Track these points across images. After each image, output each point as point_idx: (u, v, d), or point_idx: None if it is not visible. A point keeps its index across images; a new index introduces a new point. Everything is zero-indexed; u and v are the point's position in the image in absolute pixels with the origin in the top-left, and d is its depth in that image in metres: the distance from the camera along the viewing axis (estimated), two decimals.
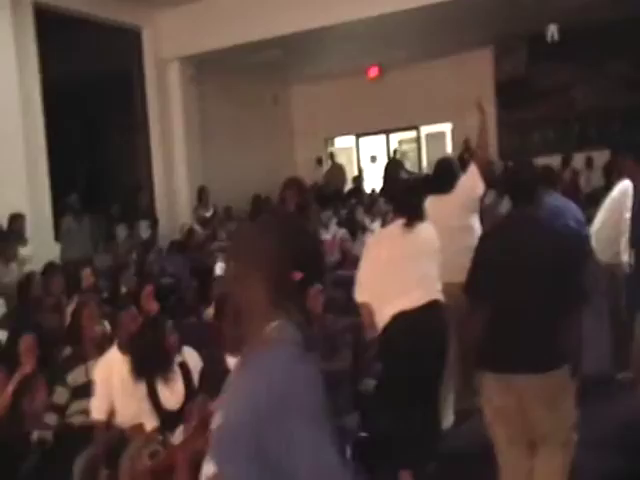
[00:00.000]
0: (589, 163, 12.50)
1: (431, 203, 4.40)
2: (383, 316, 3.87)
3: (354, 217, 9.16)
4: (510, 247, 3.13)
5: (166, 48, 11.13)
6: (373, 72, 14.57)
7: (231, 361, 3.86)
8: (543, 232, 3.17)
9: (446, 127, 15.40)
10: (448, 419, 4.64)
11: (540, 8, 10.53)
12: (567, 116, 13.10)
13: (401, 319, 3.78)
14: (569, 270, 3.08)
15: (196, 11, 10.66)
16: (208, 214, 10.85)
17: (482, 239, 3.51)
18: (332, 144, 16.36)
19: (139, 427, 3.98)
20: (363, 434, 4.17)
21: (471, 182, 4.73)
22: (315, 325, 4.45)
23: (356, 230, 8.44)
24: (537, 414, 3.08)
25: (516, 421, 3.12)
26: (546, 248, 3.07)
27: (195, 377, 4.21)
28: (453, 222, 4.57)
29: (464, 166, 13.19)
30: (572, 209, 4.71)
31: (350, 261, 6.87)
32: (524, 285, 3.04)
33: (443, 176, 4.89)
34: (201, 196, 11.19)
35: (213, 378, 3.89)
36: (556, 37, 11.36)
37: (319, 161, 14.91)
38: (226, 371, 3.90)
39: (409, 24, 10.79)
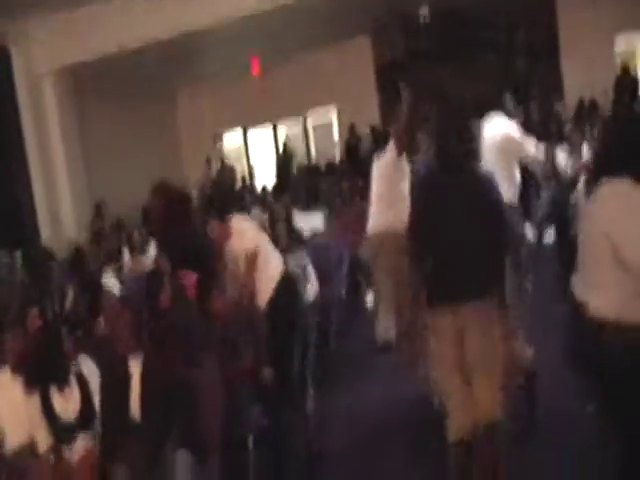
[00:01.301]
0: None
1: None
2: None
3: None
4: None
5: (37, 63, 10.70)
6: (256, 70, 14.50)
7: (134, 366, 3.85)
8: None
9: (332, 117, 15.56)
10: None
11: None
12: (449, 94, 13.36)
13: None
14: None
15: (67, 21, 10.27)
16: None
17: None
18: (221, 142, 16.17)
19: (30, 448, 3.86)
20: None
21: None
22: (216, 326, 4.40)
23: None
24: (473, 339, 3.36)
25: (458, 350, 3.39)
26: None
27: (94, 387, 4.08)
28: None
29: (351, 151, 13.44)
30: None
31: None
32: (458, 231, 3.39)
33: None
34: (99, 211, 10.87)
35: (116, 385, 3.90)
36: (428, 20, 11.74)
37: (208, 162, 14.72)
38: (128, 377, 3.85)
39: (286, 18, 10.82)
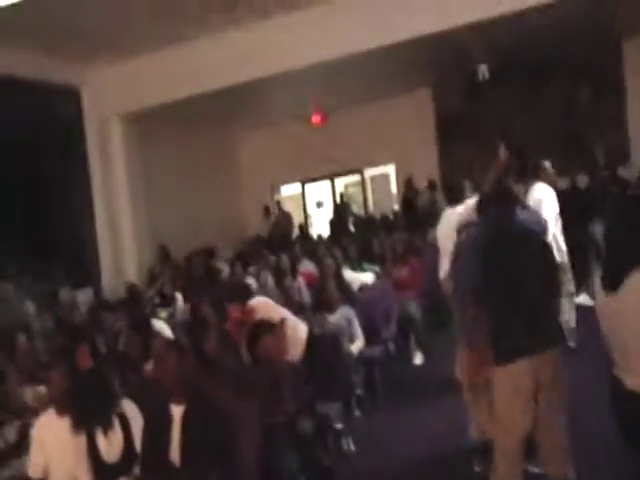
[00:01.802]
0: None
1: None
2: None
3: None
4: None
5: (106, 105, 11.10)
6: (316, 118, 14.79)
7: (176, 410, 3.89)
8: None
9: (389, 168, 15.65)
10: None
11: (470, 51, 10.89)
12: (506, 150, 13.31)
13: None
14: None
15: (136, 67, 10.64)
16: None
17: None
18: (279, 191, 16.45)
19: None
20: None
21: None
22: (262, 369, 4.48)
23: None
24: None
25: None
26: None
27: (135, 430, 4.13)
28: None
29: (408, 205, 13.45)
30: None
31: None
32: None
33: None
34: (162, 253, 11.14)
35: (158, 429, 3.92)
36: (487, 76, 11.81)
37: (266, 211, 14.97)
38: (170, 421, 3.93)
39: (349, 70, 11.02)
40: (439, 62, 11.99)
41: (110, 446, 4.01)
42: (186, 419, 3.88)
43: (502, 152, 5.03)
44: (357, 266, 7.98)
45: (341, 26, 9.39)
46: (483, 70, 11.89)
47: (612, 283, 2.77)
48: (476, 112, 13.77)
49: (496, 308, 3.48)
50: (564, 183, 10.20)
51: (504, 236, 3.62)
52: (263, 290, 7.52)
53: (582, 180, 11.78)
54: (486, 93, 12.97)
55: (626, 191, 9.99)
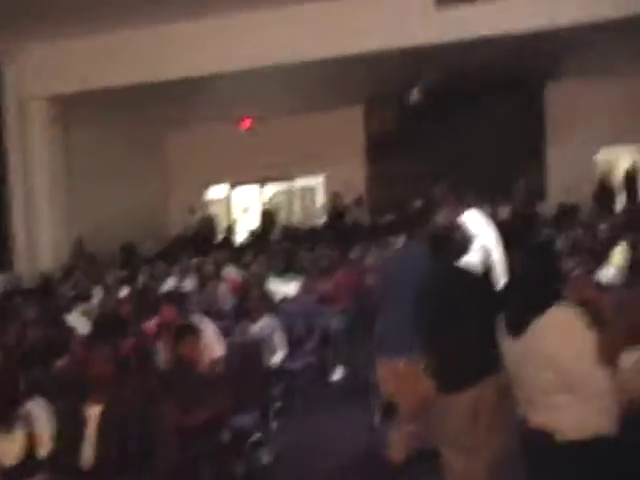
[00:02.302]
0: None
1: None
2: None
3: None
4: None
5: (30, 85, 10.64)
6: (246, 123, 14.75)
7: (92, 410, 3.78)
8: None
9: (318, 181, 15.76)
10: None
11: (405, 74, 11.17)
12: (433, 172, 13.59)
13: None
14: None
15: (66, 49, 10.28)
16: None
17: None
18: (206, 193, 16.25)
19: None
20: None
21: None
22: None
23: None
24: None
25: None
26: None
27: (44, 427, 3.94)
28: None
29: (334, 219, 13.54)
30: None
31: None
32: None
33: None
34: (77, 248, 10.75)
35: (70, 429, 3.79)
36: (418, 100, 12.15)
37: (191, 210, 14.76)
38: (84, 421, 3.78)
39: (284, 78, 11.07)
40: (372, 81, 12.23)
41: (10, 448, 3.81)
42: (103, 420, 3.75)
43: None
44: (282, 276, 7.96)
45: (278, 35, 9.47)
46: (416, 94, 12.22)
47: (516, 328, 2.84)
48: (406, 133, 14.09)
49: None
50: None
51: (451, 280, 3.84)
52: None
53: (503, 212, 12.21)
54: (417, 116, 13.31)
55: (540, 229, 10.41)
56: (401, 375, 4.18)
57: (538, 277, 2.87)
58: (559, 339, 2.71)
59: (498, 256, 5.28)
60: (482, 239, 5.26)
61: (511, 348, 2.91)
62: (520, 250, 3.19)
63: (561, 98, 13.19)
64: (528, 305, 2.83)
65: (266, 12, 9.43)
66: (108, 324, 5.95)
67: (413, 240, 4.92)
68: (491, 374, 3.48)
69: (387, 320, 4.40)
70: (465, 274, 3.97)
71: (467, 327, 3.58)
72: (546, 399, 2.79)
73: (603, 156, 13.97)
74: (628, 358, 3.17)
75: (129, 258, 11.66)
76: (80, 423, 3.82)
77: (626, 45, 10.39)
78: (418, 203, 6.51)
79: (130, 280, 8.92)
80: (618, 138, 13.24)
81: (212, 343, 5.14)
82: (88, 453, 3.77)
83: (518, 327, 2.83)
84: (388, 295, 4.50)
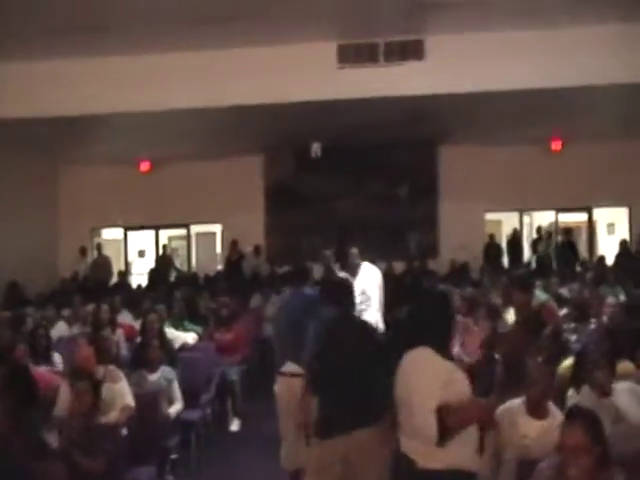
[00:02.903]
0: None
1: None
2: None
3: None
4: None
5: None
6: (144, 166, 14.58)
7: None
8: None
9: (216, 227, 15.71)
10: None
11: (305, 127, 11.46)
12: (330, 225, 13.94)
13: None
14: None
15: None
16: None
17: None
18: (99, 234, 15.79)
19: None
20: None
21: None
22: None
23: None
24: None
25: None
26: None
27: None
28: None
29: (232, 267, 13.42)
30: None
31: None
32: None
33: None
34: None
35: None
36: (319, 154, 12.46)
37: (83, 251, 14.27)
38: None
39: (182, 123, 11.06)
40: (273, 131, 12.43)
41: None
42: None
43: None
44: (180, 325, 7.84)
45: (179, 80, 9.50)
46: (316, 148, 12.55)
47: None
48: (305, 185, 14.39)
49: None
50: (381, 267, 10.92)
51: (337, 329, 4.10)
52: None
53: (397, 267, 12.64)
54: (316, 168, 13.65)
55: (434, 282, 10.82)
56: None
57: (425, 320, 3.21)
58: (408, 374, 3.08)
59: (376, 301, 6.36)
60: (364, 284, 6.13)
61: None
62: (417, 297, 3.67)
63: (452, 161, 13.94)
64: (408, 344, 3.18)
65: (170, 56, 9.45)
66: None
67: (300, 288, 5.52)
68: (367, 425, 3.67)
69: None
70: (355, 323, 4.27)
71: (351, 375, 3.80)
72: (405, 426, 3.10)
73: (491, 216, 14.84)
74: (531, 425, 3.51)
75: (14, 298, 11.10)
76: None
77: (513, 115, 11.19)
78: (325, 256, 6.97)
79: (16, 323, 8.47)
80: (502, 204, 14.17)
81: (126, 392, 5.01)
82: None
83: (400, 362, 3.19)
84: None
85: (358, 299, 5.36)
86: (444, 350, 3.13)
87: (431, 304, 3.33)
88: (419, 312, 3.32)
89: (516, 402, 3.67)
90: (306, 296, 5.34)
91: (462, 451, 2.98)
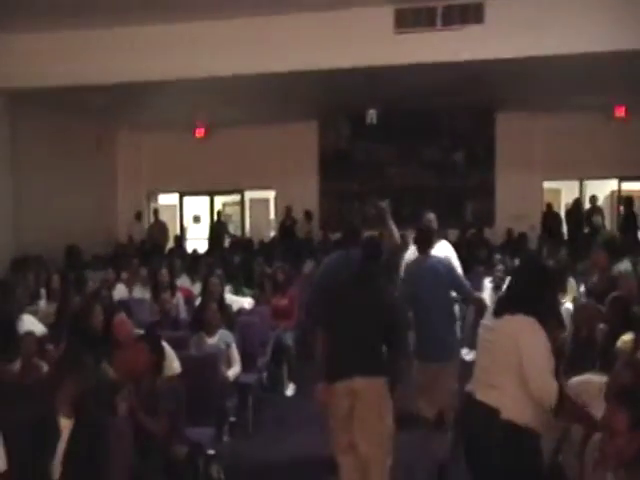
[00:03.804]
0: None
1: None
2: None
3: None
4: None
5: None
6: (200, 132, 14.71)
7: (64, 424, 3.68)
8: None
9: (270, 193, 15.79)
10: None
11: (361, 93, 11.34)
12: (383, 193, 13.82)
13: None
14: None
15: (19, 43, 9.94)
16: None
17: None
18: (155, 199, 16.08)
19: None
20: None
21: None
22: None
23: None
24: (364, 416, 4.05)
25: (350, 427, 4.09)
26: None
27: None
28: None
29: (286, 233, 13.53)
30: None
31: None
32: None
33: None
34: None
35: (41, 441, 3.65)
36: (374, 121, 12.33)
37: (138, 216, 14.56)
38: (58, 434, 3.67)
39: (238, 88, 11.06)
40: (327, 97, 12.36)
41: None
42: (75, 434, 3.67)
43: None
44: (238, 289, 7.96)
45: (235, 46, 9.42)
46: (372, 115, 12.42)
47: (497, 312, 3.33)
48: (359, 152, 14.31)
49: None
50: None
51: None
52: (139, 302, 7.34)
53: (452, 234, 12.49)
54: (371, 135, 13.54)
55: (489, 252, 10.68)
56: None
57: (527, 284, 3.32)
58: (528, 337, 3.14)
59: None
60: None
61: (487, 328, 3.37)
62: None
63: (510, 128, 13.63)
64: (511, 302, 3.29)
65: (224, 22, 9.40)
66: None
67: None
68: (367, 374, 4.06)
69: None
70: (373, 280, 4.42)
71: (358, 324, 4.17)
72: (503, 380, 3.20)
73: (549, 185, 14.50)
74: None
75: (74, 261, 11.42)
76: (53, 436, 3.72)
77: (575, 81, 10.84)
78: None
79: (78, 285, 8.73)
80: (561, 172, 13.82)
81: (171, 359, 5.08)
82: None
83: (497, 314, 3.31)
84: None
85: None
86: (544, 323, 3.18)
87: (529, 276, 3.40)
88: (517, 283, 3.43)
89: (596, 382, 3.48)
90: None
91: (543, 417, 3.14)
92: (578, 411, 3.13)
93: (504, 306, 3.30)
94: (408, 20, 9.35)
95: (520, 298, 3.26)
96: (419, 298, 5.06)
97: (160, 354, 4.54)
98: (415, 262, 5.33)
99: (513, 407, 3.13)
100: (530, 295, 3.24)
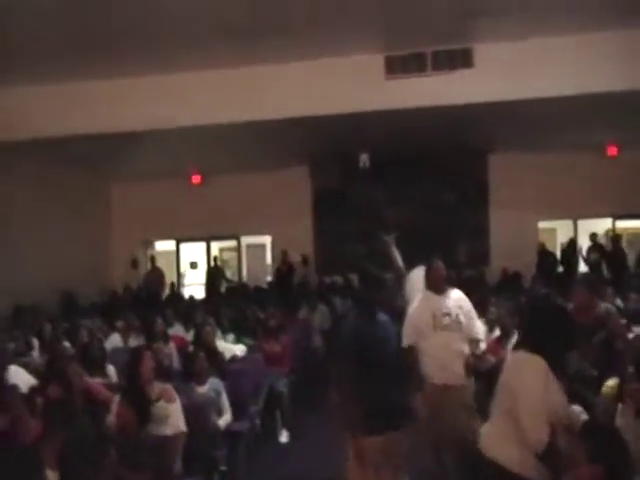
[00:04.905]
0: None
1: None
2: None
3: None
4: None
5: None
6: (196, 179, 14.85)
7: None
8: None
9: (266, 238, 15.84)
10: None
11: (353, 138, 11.46)
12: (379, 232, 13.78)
13: None
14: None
15: (13, 96, 10.09)
16: None
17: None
18: (152, 246, 16.12)
19: None
20: None
21: None
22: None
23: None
24: None
25: None
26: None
27: None
28: None
29: (282, 278, 13.50)
30: None
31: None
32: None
33: None
34: None
35: None
36: (367, 165, 12.45)
37: (134, 264, 14.57)
38: None
39: (232, 136, 11.20)
40: (319, 141, 12.48)
41: None
42: None
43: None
44: (230, 336, 7.91)
45: (227, 95, 9.59)
46: (365, 159, 12.55)
47: (515, 346, 3.44)
48: (352, 194, 14.39)
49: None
50: None
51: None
52: None
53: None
54: (364, 178, 13.64)
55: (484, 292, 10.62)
56: None
57: (541, 325, 3.33)
58: (519, 373, 3.19)
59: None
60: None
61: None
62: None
63: (503, 169, 13.74)
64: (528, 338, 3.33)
65: (217, 71, 9.58)
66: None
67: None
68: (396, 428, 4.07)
69: None
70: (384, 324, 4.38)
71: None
72: (505, 426, 3.22)
73: (544, 225, 14.54)
74: None
75: (68, 310, 11.40)
76: None
77: (566, 120, 10.96)
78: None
79: (72, 334, 8.69)
80: (556, 212, 13.88)
81: (180, 415, 5.02)
82: None
83: (515, 348, 3.42)
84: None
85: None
86: (555, 366, 3.16)
87: (549, 318, 3.37)
88: (535, 324, 3.41)
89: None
90: None
91: (534, 462, 3.09)
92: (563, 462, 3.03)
93: (521, 341, 3.41)
94: (398, 66, 9.51)
95: (535, 337, 3.27)
96: None
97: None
98: None
99: (500, 445, 3.16)
100: (544, 335, 3.24)
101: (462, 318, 5.12)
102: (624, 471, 2.75)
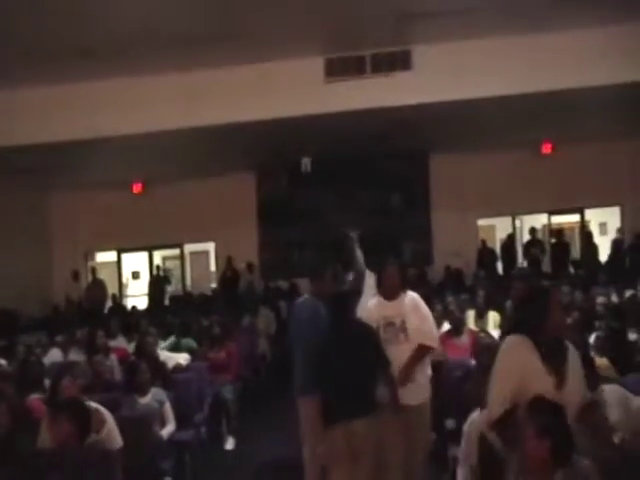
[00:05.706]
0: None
1: None
2: None
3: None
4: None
5: None
6: (137, 188, 14.58)
7: None
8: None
9: (210, 245, 15.66)
10: None
11: (295, 142, 11.45)
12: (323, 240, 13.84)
13: None
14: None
15: None
16: None
17: None
18: (93, 258, 15.75)
19: None
20: None
21: None
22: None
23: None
24: None
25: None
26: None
27: None
28: None
29: (227, 285, 13.35)
30: None
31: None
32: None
33: None
34: None
35: None
36: (309, 169, 12.48)
37: (75, 276, 14.21)
38: None
39: (173, 143, 11.04)
40: (264, 148, 12.45)
41: None
42: None
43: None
44: (174, 345, 7.77)
45: (168, 101, 9.51)
46: (306, 162, 12.56)
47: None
48: (297, 200, 14.37)
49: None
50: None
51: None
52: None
53: None
54: (308, 183, 13.64)
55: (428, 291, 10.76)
56: None
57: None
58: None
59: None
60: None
61: None
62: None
63: (444, 169, 13.94)
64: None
65: (157, 78, 9.48)
66: None
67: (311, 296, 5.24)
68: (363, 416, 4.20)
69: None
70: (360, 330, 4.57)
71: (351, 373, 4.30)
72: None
73: (484, 222, 14.81)
74: None
75: (8, 326, 11.03)
76: None
77: (502, 120, 11.18)
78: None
79: (8, 350, 8.43)
80: (494, 209, 14.17)
81: (114, 434, 4.80)
82: None
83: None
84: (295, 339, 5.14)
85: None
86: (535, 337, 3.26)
87: (525, 296, 3.60)
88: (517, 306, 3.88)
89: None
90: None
91: None
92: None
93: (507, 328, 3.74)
94: (338, 69, 9.58)
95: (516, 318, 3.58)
96: None
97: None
98: None
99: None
100: (520, 313, 3.54)
101: (410, 325, 4.68)
102: (568, 446, 2.91)
